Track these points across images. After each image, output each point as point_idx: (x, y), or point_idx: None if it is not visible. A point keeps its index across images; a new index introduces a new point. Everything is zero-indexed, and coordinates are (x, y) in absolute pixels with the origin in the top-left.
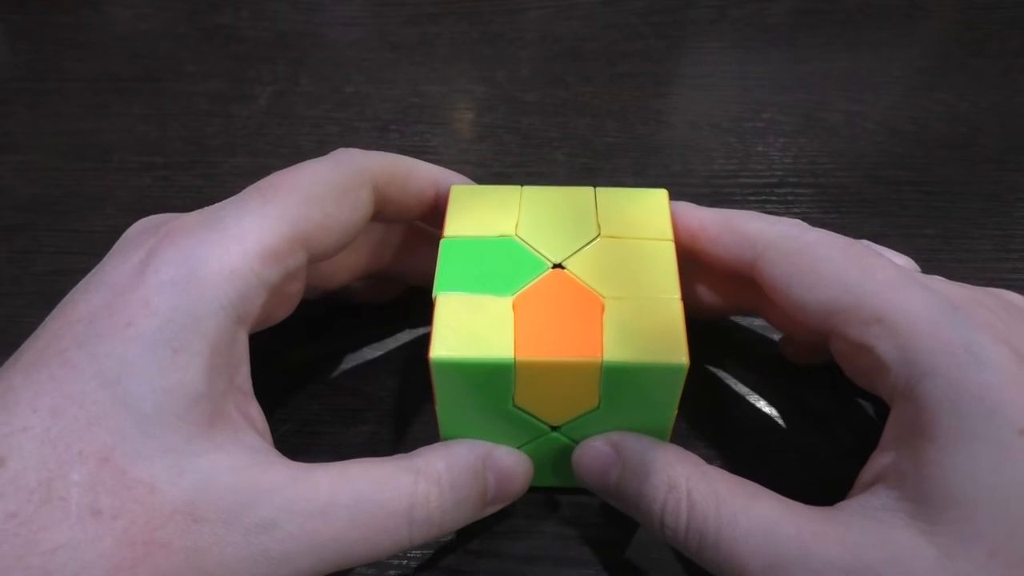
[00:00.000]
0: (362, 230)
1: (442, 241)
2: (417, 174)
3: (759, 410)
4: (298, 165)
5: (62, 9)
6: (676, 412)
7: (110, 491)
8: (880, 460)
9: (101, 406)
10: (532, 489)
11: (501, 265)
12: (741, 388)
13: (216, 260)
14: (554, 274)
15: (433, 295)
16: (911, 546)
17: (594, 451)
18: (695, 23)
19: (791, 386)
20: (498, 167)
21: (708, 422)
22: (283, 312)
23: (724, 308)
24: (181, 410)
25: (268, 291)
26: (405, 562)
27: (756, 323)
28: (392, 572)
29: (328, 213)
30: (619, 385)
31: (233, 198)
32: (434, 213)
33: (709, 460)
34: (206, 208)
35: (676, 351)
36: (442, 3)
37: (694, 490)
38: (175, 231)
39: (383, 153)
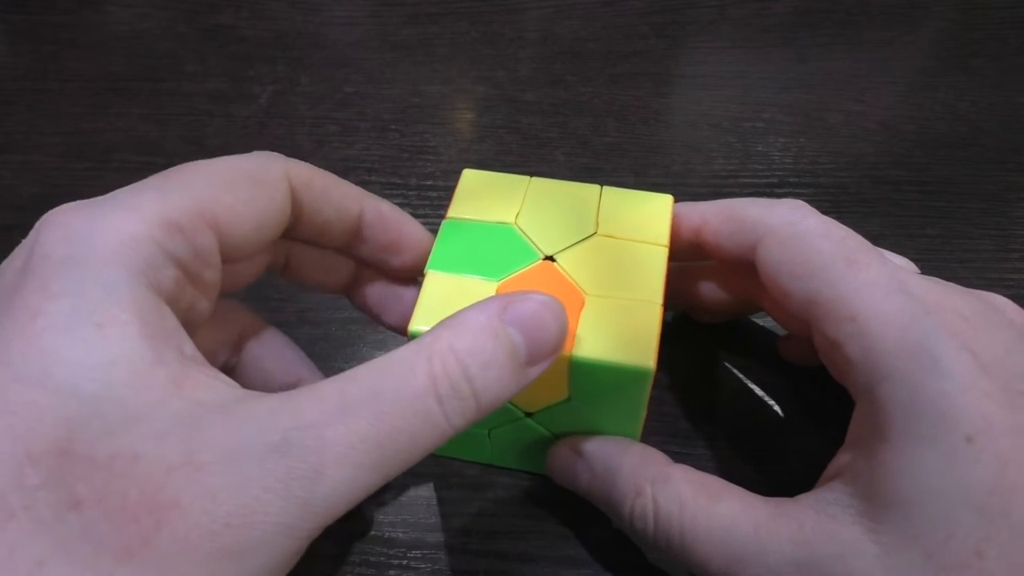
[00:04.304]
0: (280, 228)
1: (444, 222)
2: (340, 188)
3: (759, 410)
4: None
5: (62, 9)
6: (646, 413)
7: (83, 478)
8: (842, 456)
9: (36, 407)
10: (521, 474)
11: (495, 251)
12: (742, 388)
13: (110, 230)
14: (543, 265)
15: (424, 271)
16: (856, 544)
17: (563, 459)
18: (695, 23)
19: (792, 386)
20: (498, 167)
21: (709, 422)
22: (202, 306)
23: (732, 306)
24: (134, 380)
25: (177, 266)
26: (405, 562)
27: (758, 323)
28: (392, 572)
29: (239, 198)
30: (587, 381)
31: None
32: (357, 240)
33: (707, 460)
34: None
35: (644, 355)
36: (442, 3)
37: (658, 494)
38: (58, 212)
39: (304, 163)
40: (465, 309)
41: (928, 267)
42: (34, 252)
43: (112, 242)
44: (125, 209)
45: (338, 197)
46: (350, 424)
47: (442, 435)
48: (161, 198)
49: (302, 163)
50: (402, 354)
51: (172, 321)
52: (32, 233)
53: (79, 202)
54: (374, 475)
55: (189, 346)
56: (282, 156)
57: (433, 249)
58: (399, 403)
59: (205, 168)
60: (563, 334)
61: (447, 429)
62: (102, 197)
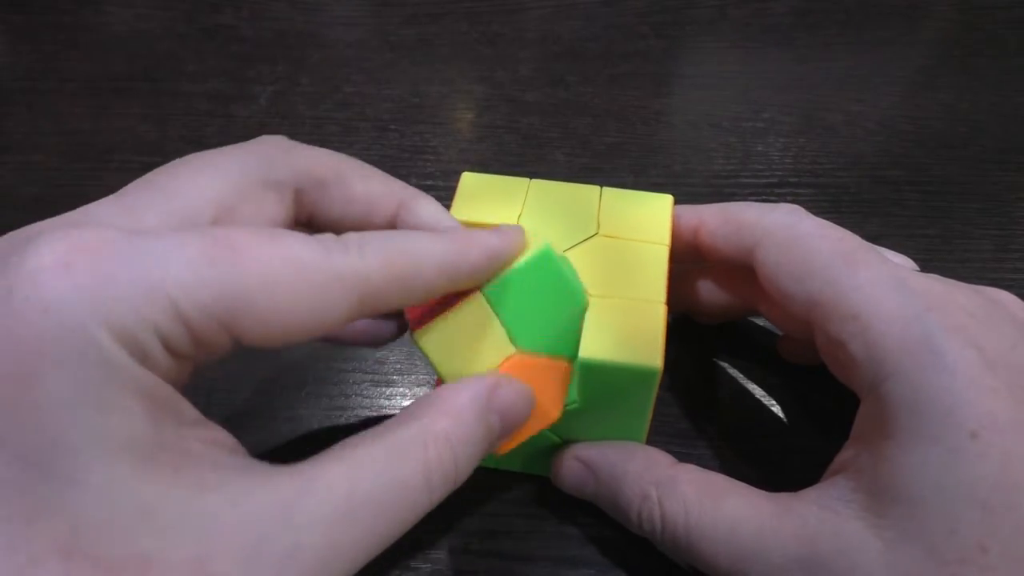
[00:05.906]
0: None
1: None
2: (368, 184)
3: (760, 410)
4: (201, 156)
5: (62, 9)
6: (652, 413)
7: None
8: (847, 452)
9: (36, 497)
10: (522, 475)
11: None
12: (743, 388)
13: (117, 299)
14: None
15: None
16: (859, 539)
17: (569, 469)
18: (695, 23)
19: (793, 386)
20: (498, 167)
21: (710, 422)
22: (204, 358)
23: (730, 309)
24: (140, 470)
25: (169, 352)
26: (405, 562)
27: (758, 324)
28: (392, 572)
29: (280, 301)
30: (594, 382)
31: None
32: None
33: (709, 460)
34: (128, 235)
35: (651, 354)
36: (442, 3)
37: (664, 499)
38: (62, 244)
39: (322, 151)
40: (458, 390)
41: (928, 267)
42: (21, 286)
43: (114, 311)
44: (135, 282)
45: (363, 197)
46: (357, 522)
47: (422, 516)
48: (183, 284)
49: (323, 155)
50: (401, 439)
51: (167, 390)
52: (28, 249)
53: (86, 235)
54: (365, 558)
55: (187, 408)
56: (291, 146)
57: None
58: (398, 500)
59: (267, 243)
60: (526, 420)
61: (429, 509)
62: (116, 235)
